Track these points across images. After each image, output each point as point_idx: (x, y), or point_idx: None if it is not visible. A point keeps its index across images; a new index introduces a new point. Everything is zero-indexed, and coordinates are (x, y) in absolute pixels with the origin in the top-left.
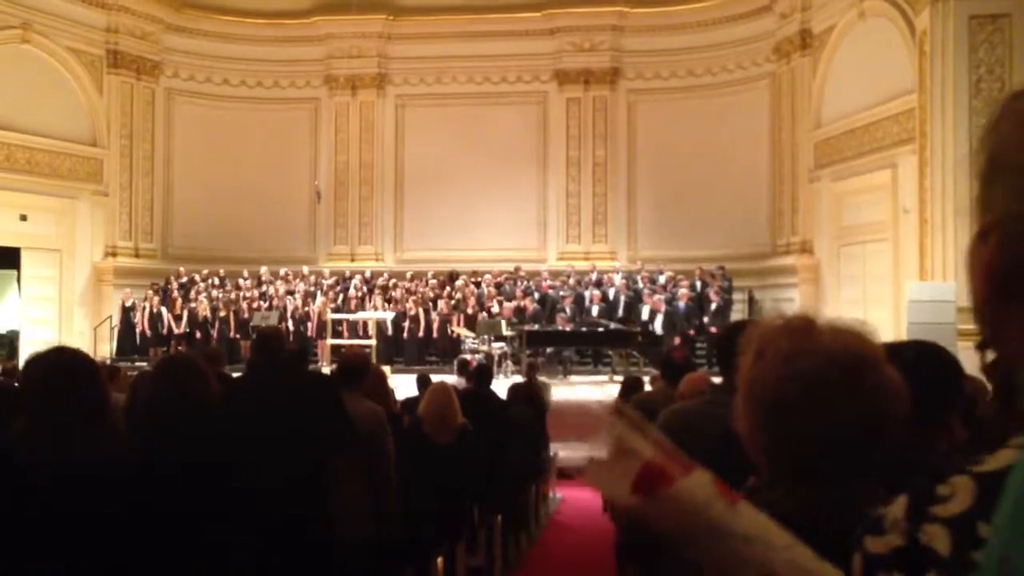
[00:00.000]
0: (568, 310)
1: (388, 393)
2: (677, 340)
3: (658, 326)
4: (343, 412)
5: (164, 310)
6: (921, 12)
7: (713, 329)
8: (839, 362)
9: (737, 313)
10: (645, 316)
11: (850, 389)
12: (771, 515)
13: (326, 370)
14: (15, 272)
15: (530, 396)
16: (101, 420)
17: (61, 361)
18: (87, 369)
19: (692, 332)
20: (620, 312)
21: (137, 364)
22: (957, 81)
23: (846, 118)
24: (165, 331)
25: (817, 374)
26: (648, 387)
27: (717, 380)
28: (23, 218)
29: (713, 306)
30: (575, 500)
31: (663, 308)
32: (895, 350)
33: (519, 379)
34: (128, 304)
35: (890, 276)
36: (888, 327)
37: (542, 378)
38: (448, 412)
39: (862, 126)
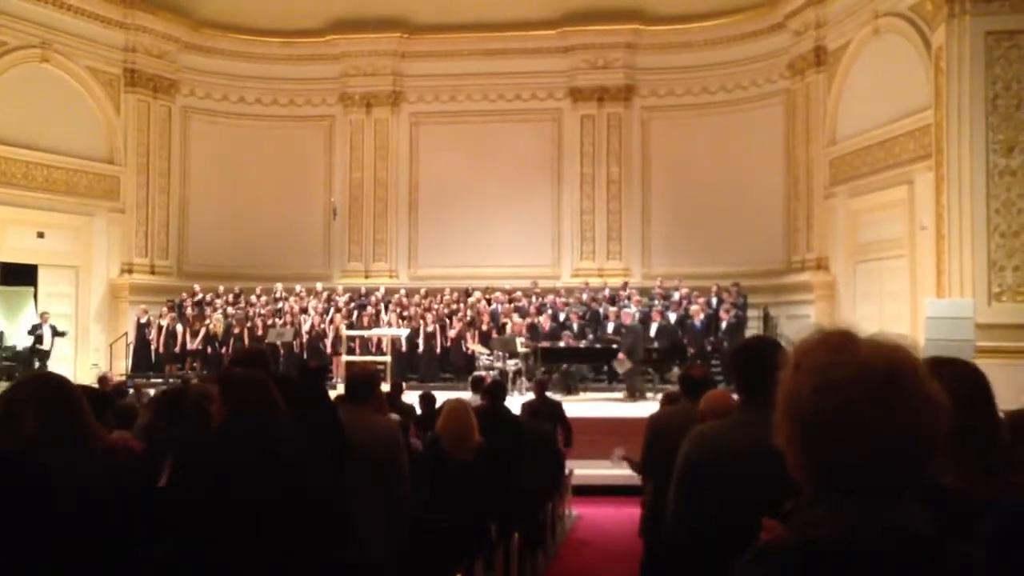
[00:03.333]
0: (576, 327)
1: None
2: (622, 356)
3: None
4: (339, 429)
5: (179, 327)
6: (937, 28)
7: (727, 346)
8: (875, 373)
9: (752, 331)
10: (653, 332)
11: (887, 401)
12: (813, 536)
13: (340, 386)
14: (32, 289)
15: (541, 413)
16: (80, 439)
17: (38, 387)
18: (64, 394)
19: (692, 350)
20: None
21: (153, 380)
22: (973, 97)
23: (862, 135)
24: (179, 348)
25: (852, 385)
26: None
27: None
28: (40, 235)
29: (724, 324)
30: (592, 517)
31: (628, 321)
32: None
33: (531, 397)
34: (143, 321)
35: (907, 293)
36: None
37: (553, 395)
38: (466, 430)
39: (878, 143)
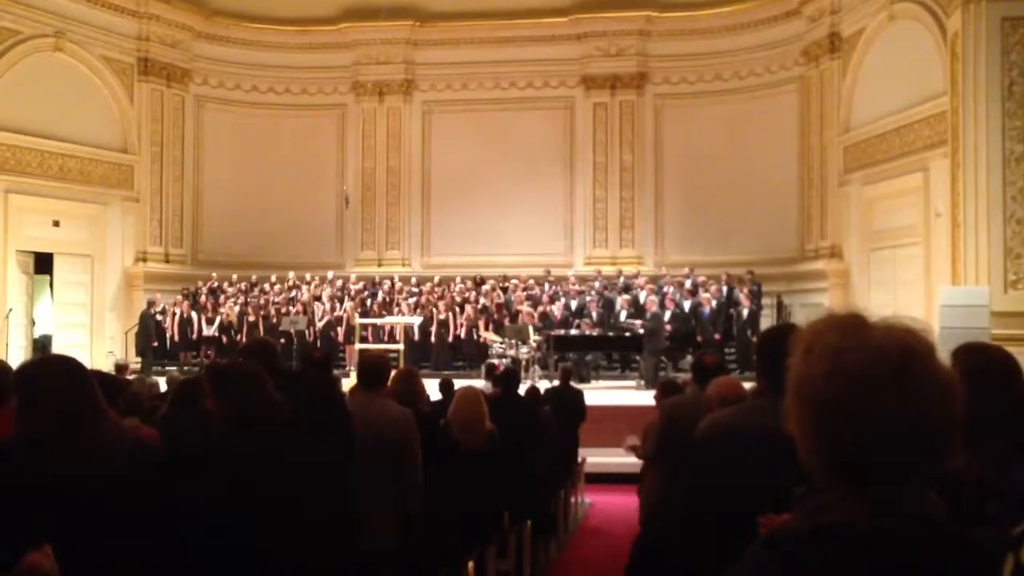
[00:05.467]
0: (594, 315)
1: (420, 395)
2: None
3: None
4: (346, 419)
5: (194, 315)
6: (952, 14)
7: (750, 334)
8: (887, 356)
9: (766, 319)
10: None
11: (900, 385)
12: (824, 522)
13: (353, 374)
14: (48, 277)
15: (563, 401)
16: (91, 421)
17: (47, 367)
18: (74, 374)
19: (718, 337)
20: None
21: (167, 368)
22: (989, 83)
23: (876, 121)
24: (194, 336)
25: (864, 368)
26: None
27: (748, 385)
28: (56, 224)
29: (746, 311)
30: (605, 505)
31: (653, 308)
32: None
33: (551, 384)
34: (157, 309)
35: (922, 280)
36: None
37: (574, 384)
38: (477, 418)
39: (893, 129)
